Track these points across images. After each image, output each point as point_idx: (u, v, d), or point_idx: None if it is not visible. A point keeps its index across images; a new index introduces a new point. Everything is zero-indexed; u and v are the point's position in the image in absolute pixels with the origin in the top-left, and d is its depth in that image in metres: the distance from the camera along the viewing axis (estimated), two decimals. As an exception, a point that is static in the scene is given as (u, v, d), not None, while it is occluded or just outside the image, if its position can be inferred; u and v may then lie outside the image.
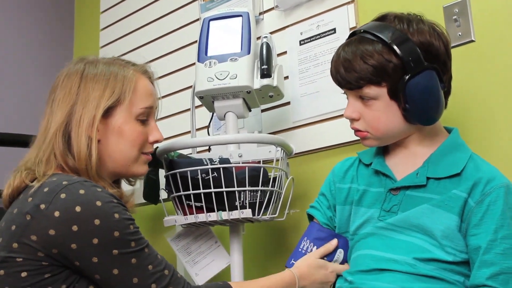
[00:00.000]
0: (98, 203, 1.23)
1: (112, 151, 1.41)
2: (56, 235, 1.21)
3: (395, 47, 1.30)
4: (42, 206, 1.22)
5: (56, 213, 1.21)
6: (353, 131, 1.43)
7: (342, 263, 1.47)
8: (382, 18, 1.40)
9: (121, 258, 1.24)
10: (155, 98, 1.52)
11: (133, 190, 1.55)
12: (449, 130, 1.43)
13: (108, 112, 1.40)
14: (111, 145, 1.41)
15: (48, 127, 1.39)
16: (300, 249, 1.49)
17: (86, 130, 1.36)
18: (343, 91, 1.44)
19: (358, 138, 1.77)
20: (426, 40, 1.33)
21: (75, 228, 1.21)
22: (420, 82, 1.30)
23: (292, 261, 1.49)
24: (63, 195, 1.23)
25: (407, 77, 1.30)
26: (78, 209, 1.21)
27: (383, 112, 1.35)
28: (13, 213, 1.28)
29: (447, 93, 1.39)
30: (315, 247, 1.47)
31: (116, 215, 1.24)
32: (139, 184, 2.33)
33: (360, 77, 1.33)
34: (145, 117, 1.47)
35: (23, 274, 1.22)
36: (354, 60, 1.34)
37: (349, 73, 1.35)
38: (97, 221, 1.21)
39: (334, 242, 1.46)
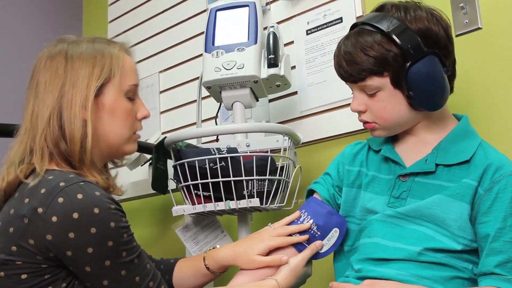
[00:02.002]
0: (96, 210, 1.21)
1: (104, 132, 1.39)
2: (53, 240, 1.20)
3: (394, 36, 1.30)
4: (40, 210, 1.21)
5: (54, 218, 1.19)
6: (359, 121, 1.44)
7: (336, 242, 1.45)
8: (380, 9, 1.40)
9: (112, 270, 1.24)
10: (138, 76, 1.51)
11: (117, 172, 1.54)
12: (458, 118, 1.43)
13: (99, 91, 1.37)
14: (103, 125, 1.39)
15: (36, 113, 1.34)
16: (296, 221, 1.47)
17: (80, 112, 1.33)
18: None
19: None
20: (424, 26, 1.32)
21: (71, 235, 1.19)
22: (421, 69, 1.30)
23: None
24: (60, 199, 1.20)
25: (408, 64, 1.30)
26: (75, 215, 1.19)
27: (388, 102, 1.35)
28: (10, 214, 1.26)
29: (452, 76, 1.39)
30: (312, 220, 1.45)
31: (112, 224, 1.23)
32: (148, 175, 2.35)
33: (362, 69, 1.33)
34: (132, 94, 1.45)
35: (23, 276, 1.22)
36: (354, 53, 1.34)
37: (351, 66, 1.35)
38: (93, 230, 1.20)
39: (318, 243, 1.44)
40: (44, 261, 1.22)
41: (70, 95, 1.34)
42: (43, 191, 1.23)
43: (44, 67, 1.38)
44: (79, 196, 1.21)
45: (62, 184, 1.23)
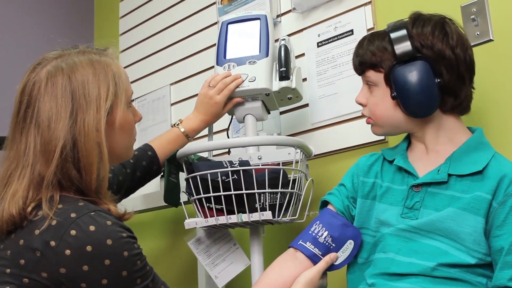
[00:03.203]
0: (109, 242, 1.19)
1: (115, 148, 1.36)
2: (67, 273, 1.18)
3: (390, 34, 1.39)
4: (52, 243, 1.18)
5: (67, 252, 1.17)
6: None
7: (351, 254, 1.45)
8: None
9: None
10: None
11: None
12: (473, 131, 1.43)
13: (109, 111, 1.31)
14: (115, 143, 1.35)
15: (39, 145, 1.25)
16: (310, 232, 1.47)
17: (95, 138, 1.26)
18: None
19: (377, 139, 1.80)
20: (426, 32, 1.38)
21: (85, 268, 1.18)
22: (408, 70, 1.36)
23: (301, 241, 1.47)
24: (73, 232, 1.18)
25: (394, 63, 1.37)
26: (89, 248, 1.17)
27: (380, 99, 1.43)
28: (20, 245, 1.21)
29: (446, 89, 1.37)
30: (327, 232, 1.45)
31: (125, 253, 1.21)
32: (159, 187, 2.36)
33: (362, 61, 1.45)
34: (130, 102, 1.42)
35: None
36: (360, 48, 1.46)
37: (356, 57, 1.48)
38: (107, 261, 1.19)
39: (333, 255, 1.45)
40: None
41: (82, 122, 1.26)
42: (54, 222, 1.20)
43: (45, 92, 1.27)
44: (92, 228, 1.19)
45: (73, 215, 1.20)
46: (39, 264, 1.19)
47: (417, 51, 1.36)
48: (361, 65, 1.45)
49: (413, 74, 1.35)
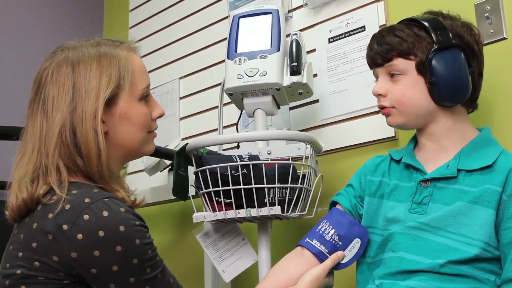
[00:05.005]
0: (122, 228, 1.20)
1: (121, 139, 1.37)
2: (78, 257, 1.19)
3: (425, 23, 1.39)
4: (65, 227, 1.19)
5: (79, 236, 1.18)
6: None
7: (358, 253, 1.45)
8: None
9: (136, 286, 1.24)
10: (148, 74, 1.47)
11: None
12: (480, 130, 1.44)
13: (111, 101, 1.33)
14: (119, 134, 1.36)
15: (45, 130, 1.30)
16: (317, 230, 1.47)
17: (92, 126, 1.29)
18: (374, 79, 1.50)
19: (387, 136, 1.79)
20: (456, 24, 1.41)
21: (97, 253, 1.19)
22: (447, 56, 1.37)
23: (307, 239, 1.47)
24: (86, 217, 1.19)
25: (435, 48, 1.37)
26: (101, 233, 1.19)
27: (409, 87, 1.41)
28: (33, 228, 1.24)
29: (472, 80, 1.40)
30: (333, 230, 1.45)
31: (137, 241, 1.22)
32: (167, 181, 2.36)
33: (391, 48, 1.42)
34: (146, 96, 1.43)
35: None
36: (387, 35, 1.44)
37: (381, 46, 1.43)
38: (119, 248, 1.20)
39: (340, 253, 1.44)
40: (67, 277, 1.22)
41: (80, 109, 1.30)
42: (68, 207, 1.21)
43: (50, 81, 1.33)
44: (105, 213, 1.20)
45: (87, 200, 1.22)
46: (51, 248, 1.21)
47: (453, 39, 1.38)
48: (388, 53, 1.41)
49: (452, 61, 1.37)
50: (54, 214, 1.21)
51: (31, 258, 1.22)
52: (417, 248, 1.33)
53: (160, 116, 1.48)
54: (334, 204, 1.56)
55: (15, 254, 1.25)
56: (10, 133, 1.51)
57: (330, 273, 1.44)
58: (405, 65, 1.40)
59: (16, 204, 1.28)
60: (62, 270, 1.21)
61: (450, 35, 1.38)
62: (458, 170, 1.36)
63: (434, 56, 1.37)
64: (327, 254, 1.44)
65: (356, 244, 1.45)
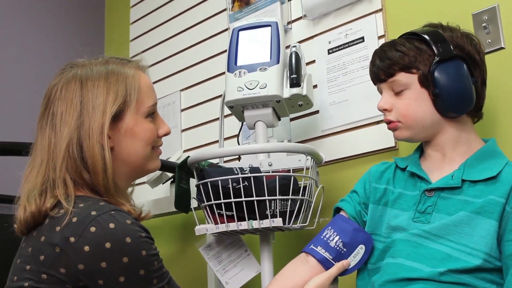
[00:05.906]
0: (128, 240, 1.22)
1: (126, 155, 1.39)
2: (85, 269, 1.20)
3: (425, 35, 1.41)
4: (72, 239, 1.21)
5: (86, 248, 1.20)
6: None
7: (362, 259, 1.45)
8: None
9: None
10: (155, 93, 1.50)
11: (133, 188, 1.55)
12: (485, 141, 1.45)
13: (117, 117, 1.36)
14: (125, 149, 1.39)
15: (53, 145, 1.33)
16: (322, 237, 1.47)
17: (99, 141, 1.32)
18: (378, 91, 1.50)
19: (387, 146, 1.80)
20: (456, 35, 1.42)
21: (103, 264, 1.20)
22: (449, 67, 1.38)
23: (312, 246, 1.47)
24: (93, 229, 1.21)
25: (436, 60, 1.38)
26: (108, 245, 1.20)
27: (413, 100, 1.42)
28: (40, 241, 1.26)
29: (476, 90, 1.41)
30: (338, 236, 1.45)
31: (144, 252, 1.24)
32: (169, 193, 2.36)
33: (393, 63, 1.43)
34: (152, 113, 1.45)
35: None
36: (388, 50, 1.44)
37: (383, 61, 1.45)
38: (125, 259, 1.21)
39: (345, 262, 1.45)
40: None
41: (87, 124, 1.33)
42: (74, 220, 1.23)
43: (59, 96, 1.36)
44: (111, 225, 1.22)
45: (93, 213, 1.23)
46: (58, 260, 1.22)
47: (453, 50, 1.39)
48: (390, 68, 1.43)
49: (454, 72, 1.38)
50: (61, 227, 1.23)
51: (39, 271, 1.23)
52: (417, 255, 1.33)
53: (166, 134, 1.50)
54: (338, 210, 1.56)
55: (23, 267, 1.27)
56: (19, 149, 1.53)
57: (334, 280, 1.45)
58: (408, 79, 1.41)
59: (24, 217, 1.30)
60: (69, 282, 1.22)
61: (451, 46, 1.39)
62: (463, 181, 1.36)
63: (436, 68, 1.38)
64: (332, 261, 1.44)
65: (360, 251, 1.46)
